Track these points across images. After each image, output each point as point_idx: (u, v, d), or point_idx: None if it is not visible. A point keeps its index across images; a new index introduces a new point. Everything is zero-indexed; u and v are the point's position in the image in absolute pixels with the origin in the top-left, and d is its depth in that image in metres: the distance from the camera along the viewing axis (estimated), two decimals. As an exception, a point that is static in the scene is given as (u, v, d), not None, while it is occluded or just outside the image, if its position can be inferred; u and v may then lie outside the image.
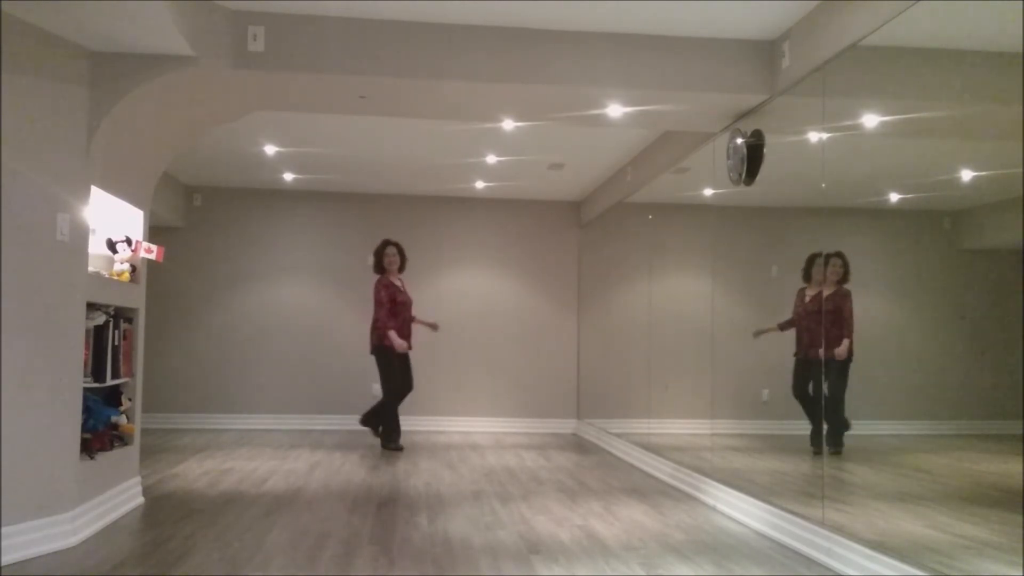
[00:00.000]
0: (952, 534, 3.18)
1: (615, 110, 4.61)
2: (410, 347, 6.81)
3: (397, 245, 6.93)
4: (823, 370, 3.87)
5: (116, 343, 4.09)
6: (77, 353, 3.63)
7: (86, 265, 3.69)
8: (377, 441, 6.97)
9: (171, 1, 3.40)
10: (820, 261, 4.11)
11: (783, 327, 4.57)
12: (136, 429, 4.38)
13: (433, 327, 7.12)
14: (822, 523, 3.51)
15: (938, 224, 3.59)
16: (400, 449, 6.77)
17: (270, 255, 8.43)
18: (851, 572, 3.22)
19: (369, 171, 7.52)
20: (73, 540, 3.53)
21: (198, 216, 8.37)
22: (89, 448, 3.87)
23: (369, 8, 4.00)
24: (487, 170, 7.35)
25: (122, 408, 4.27)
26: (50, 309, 3.48)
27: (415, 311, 7.05)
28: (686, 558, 3.49)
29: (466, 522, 4.11)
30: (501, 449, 7.02)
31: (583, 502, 4.68)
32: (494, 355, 8.61)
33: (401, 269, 6.91)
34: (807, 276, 4.26)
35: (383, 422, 6.80)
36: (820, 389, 3.92)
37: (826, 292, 4.07)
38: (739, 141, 4.44)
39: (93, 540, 3.63)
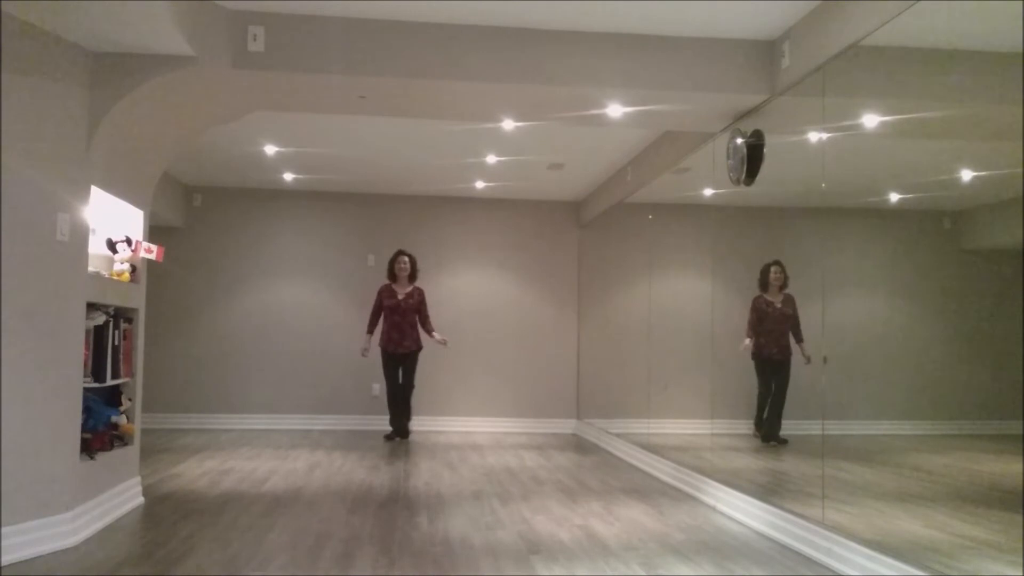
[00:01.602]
0: (952, 534, 3.18)
1: (615, 110, 4.61)
2: (406, 349, 7.26)
3: (410, 255, 7.41)
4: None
5: (116, 343, 4.09)
6: (77, 353, 3.63)
7: (86, 265, 3.69)
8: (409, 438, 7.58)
9: (171, 1, 3.40)
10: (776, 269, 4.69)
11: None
12: (136, 429, 4.38)
13: (442, 343, 7.36)
14: (822, 523, 3.51)
15: (938, 224, 3.60)
16: (388, 439, 7.41)
17: (270, 255, 8.43)
18: (851, 572, 3.22)
19: (369, 171, 7.52)
20: (73, 540, 3.53)
21: (198, 216, 8.37)
22: (89, 448, 3.87)
23: (369, 8, 4.00)
24: (487, 170, 7.35)
25: (122, 408, 4.27)
26: (50, 309, 3.48)
27: (435, 323, 7.50)
28: (686, 558, 3.49)
29: (466, 522, 4.11)
30: (501, 449, 7.02)
31: (583, 502, 4.68)
32: (494, 355, 8.60)
33: (412, 278, 7.36)
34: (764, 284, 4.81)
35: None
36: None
37: (779, 299, 4.73)
38: (739, 141, 4.44)
39: (93, 540, 3.63)
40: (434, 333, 7.30)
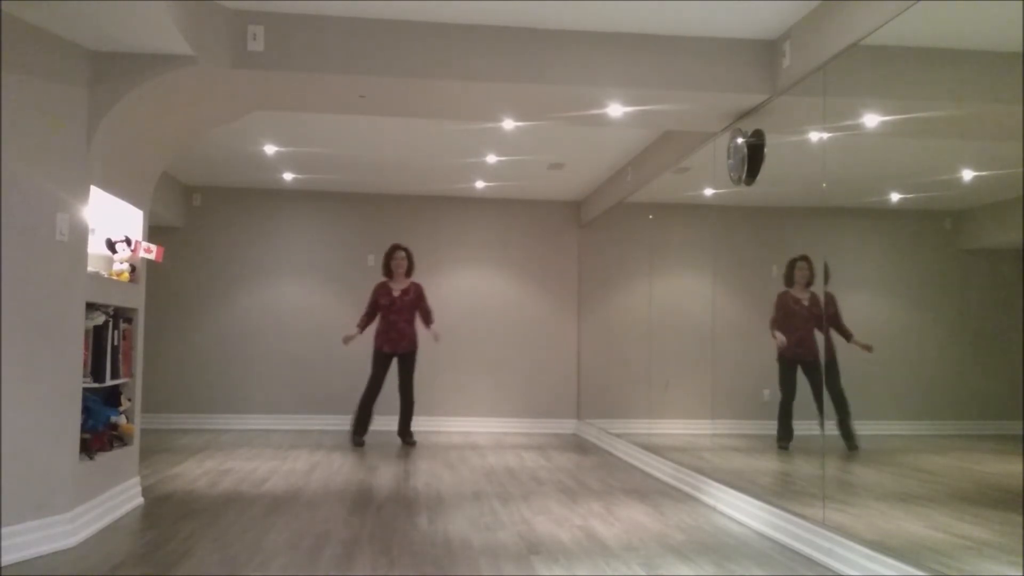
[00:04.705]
0: (952, 534, 3.18)
1: (615, 110, 4.61)
2: (404, 350, 7.01)
3: (406, 249, 7.13)
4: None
5: (116, 343, 4.09)
6: (77, 353, 3.63)
7: (86, 265, 3.69)
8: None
9: (171, 1, 3.40)
10: (802, 264, 4.40)
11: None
12: (136, 429, 4.38)
13: (434, 337, 7.14)
14: (823, 523, 3.51)
15: (938, 224, 3.59)
16: (358, 444, 6.94)
17: (270, 255, 8.43)
18: (851, 572, 3.22)
19: (369, 171, 7.52)
20: (72, 540, 3.52)
21: (197, 216, 8.37)
22: (88, 448, 3.87)
23: (369, 8, 4.00)
24: (487, 170, 7.35)
25: (122, 408, 4.27)
26: (50, 309, 3.48)
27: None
28: (686, 558, 3.49)
29: (466, 522, 4.11)
30: (501, 449, 7.01)
31: (583, 502, 4.68)
32: (494, 355, 8.60)
33: (409, 273, 7.10)
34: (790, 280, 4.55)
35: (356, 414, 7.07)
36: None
37: (806, 296, 4.36)
38: (740, 141, 4.44)
39: (92, 540, 3.62)
40: (432, 327, 7.07)
